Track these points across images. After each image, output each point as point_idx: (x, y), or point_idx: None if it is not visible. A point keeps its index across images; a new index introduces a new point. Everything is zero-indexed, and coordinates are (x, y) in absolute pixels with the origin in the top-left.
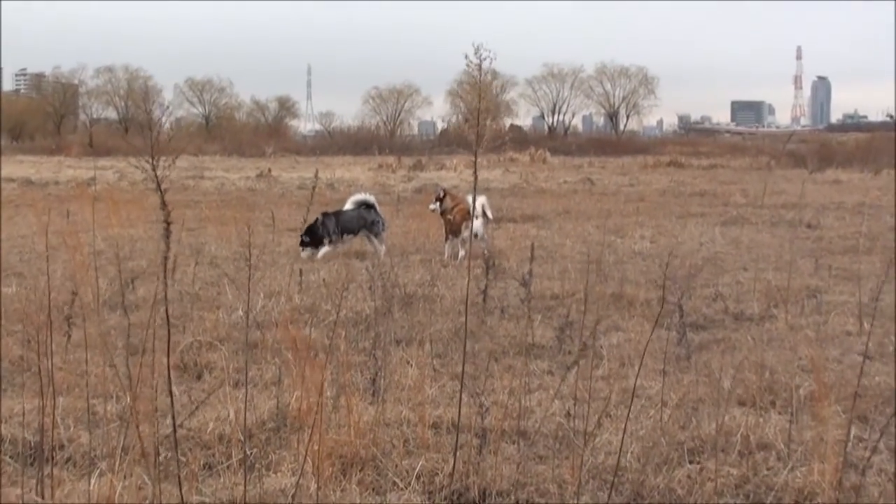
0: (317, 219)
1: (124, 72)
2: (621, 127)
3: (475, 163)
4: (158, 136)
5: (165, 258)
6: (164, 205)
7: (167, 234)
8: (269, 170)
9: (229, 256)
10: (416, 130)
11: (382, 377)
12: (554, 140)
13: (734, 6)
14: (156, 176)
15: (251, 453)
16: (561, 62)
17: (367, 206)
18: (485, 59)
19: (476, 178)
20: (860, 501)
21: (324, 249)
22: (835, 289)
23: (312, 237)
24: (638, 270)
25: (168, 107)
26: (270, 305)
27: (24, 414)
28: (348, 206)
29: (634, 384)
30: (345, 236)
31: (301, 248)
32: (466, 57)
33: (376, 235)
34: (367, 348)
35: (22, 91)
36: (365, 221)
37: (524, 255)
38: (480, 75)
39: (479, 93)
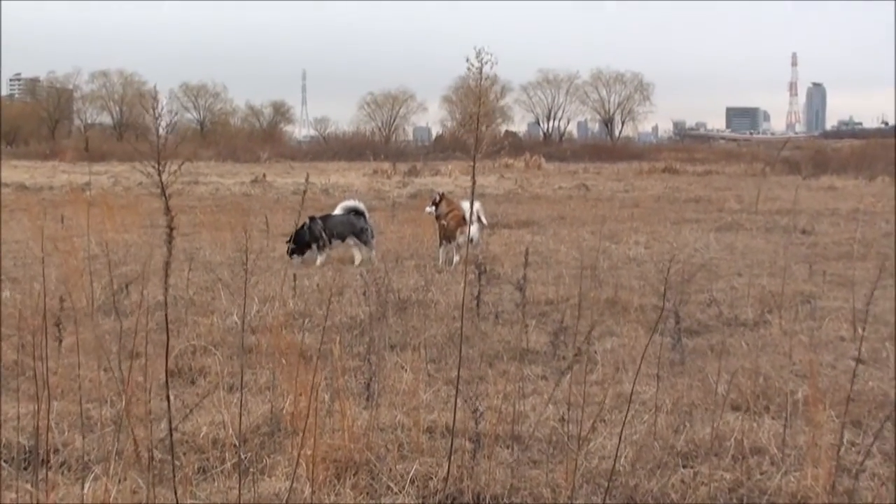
0: (304, 223)
1: (119, 76)
2: (616, 133)
3: (473, 168)
4: (166, 142)
5: (167, 263)
6: (167, 210)
7: (170, 239)
8: (264, 175)
9: (224, 261)
10: (411, 136)
11: (377, 382)
12: (549, 146)
13: (729, 12)
14: (161, 181)
15: (245, 457)
16: (556, 68)
17: (357, 212)
18: (486, 62)
19: (475, 183)
20: None
21: (320, 258)
22: (829, 294)
23: (299, 242)
24: (632, 276)
25: (176, 113)
26: (265, 310)
27: (18, 418)
28: (337, 211)
29: (632, 388)
30: (333, 241)
31: (290, 256)
32: (468, 60)
33: (365, 243)
34: (362, 353)
35: (16, 96)
36: (353, 227)
37: (519, 261)
38: (481, 79)
39: (480, 97)
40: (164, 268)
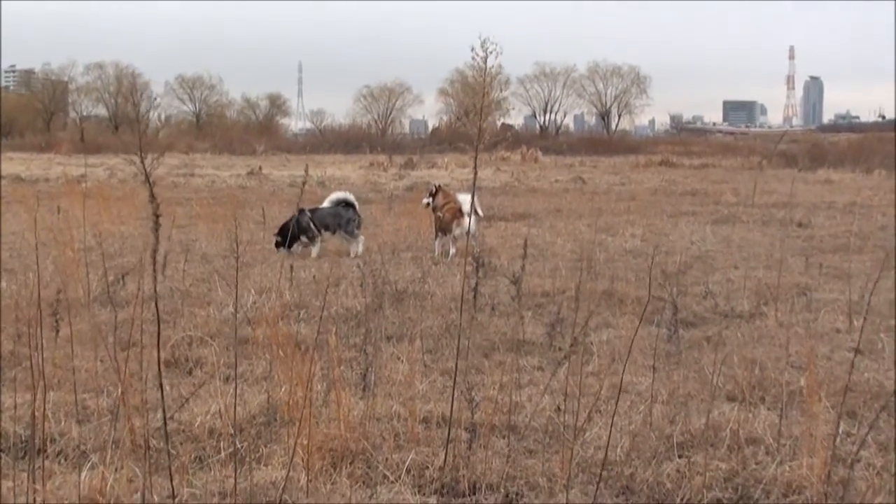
0: (293, 216)
1: (114, 68)
2: (613, 126)
3: (475, 158)
4: (146, 129)
5: (155, 251)
6: (152, 197)
7: (156, 227)
8: (260, 167)
9: (220, 253)
10: (407, 129)
11: (373, 372)
12: (545, 139)
13: (727, 6)
14: (144, 168)
15: (241, 447)
16: (553, 61)
17: (347, 204)
18: (491, 52)
19: (476, 174)
20: (848, 495)
21: (315, 250)
22: (825, 287)
23: (286, 235)
24: (629, 268)
25: (156, 99)
26: (261, 301)
27: (15, 408)
28: (326, 203)
29: (622, 378)
30: (322, 232)
31: (277, 249)
32: (472, 49)
33: (349, 234)
34: (358, 344)
35: (11, 87)
36: (341, 219)
37: (515, 253)
38: (486, 69)
39: (485, 87)
40: (152, 255)
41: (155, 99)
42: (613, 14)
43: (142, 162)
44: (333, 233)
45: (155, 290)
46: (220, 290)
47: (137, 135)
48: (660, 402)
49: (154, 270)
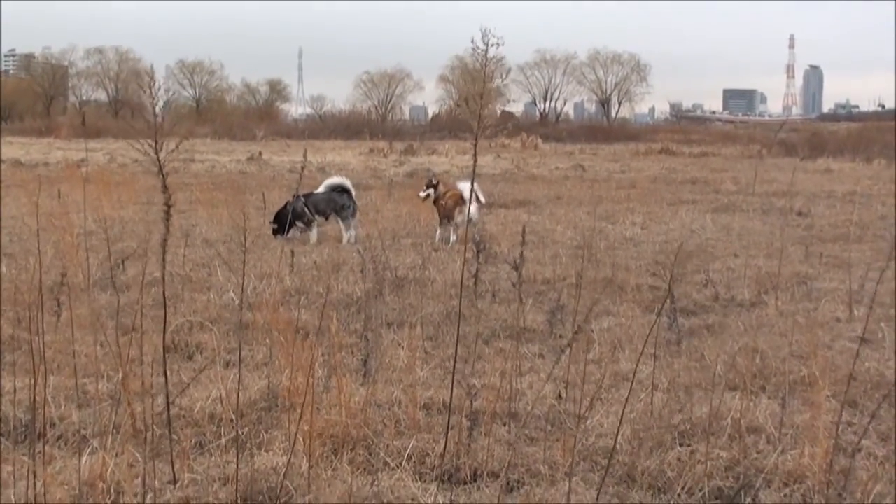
0: (287, 202)
1: (114, 53)
2: (613, 114)
3: (475, 147)
4: (163, 121)
5: (165, 240)
6: (165, 188)
7: (167, 216)
8: (260, 153)
9: (220, 238)
10: (407, 115)
11: (374, 359)
12: (545, 126)
13: (730, 10)
14: (158, 159)
15: (242, 432)
16: (553, 48)
17: (342, 190)
18: (492, 44)
19: (476, 161)
20: (849, 485)
21: (313, 236)
22: (825, 276)
23: (282, 221)
24: (629, 256)
25: (174, 93)
26: (262, 287)
27: (14, 392)
28: (321, 189)
29: (636, 368)
30: (318, 217)
31: (275, 235)
32: (472, 41)
33: (343, 220)
34: (359, 330)
35: (11, 72)
36: (335, 205)
37: (515, 240)
38: (486, 62)
39: (485, 79)
40: (162, 245)
41: (172, 93)
42: (613, 6)
43: (156, 151)
44: (327, 218)
45: (163, 278)
46: (220, 275)
47: (145, 122)
48: (661, 391)
49: (163, 260)
